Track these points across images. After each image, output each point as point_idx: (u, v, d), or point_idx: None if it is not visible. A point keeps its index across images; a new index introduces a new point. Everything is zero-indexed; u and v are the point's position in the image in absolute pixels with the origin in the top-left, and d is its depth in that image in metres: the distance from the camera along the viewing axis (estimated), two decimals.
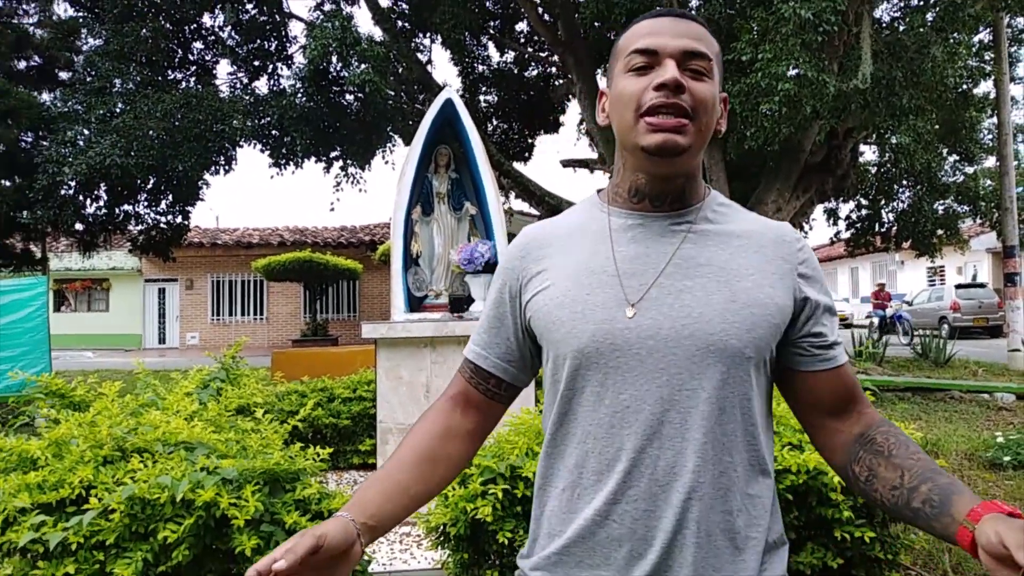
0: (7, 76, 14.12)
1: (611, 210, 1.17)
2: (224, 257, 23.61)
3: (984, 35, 12.81)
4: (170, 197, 13.76)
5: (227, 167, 12.89)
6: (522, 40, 14.99)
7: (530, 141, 15.99)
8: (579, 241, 1.16)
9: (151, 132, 11.23)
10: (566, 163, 15.67)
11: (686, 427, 1.02)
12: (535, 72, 15.49)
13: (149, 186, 13.16)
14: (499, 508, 2.90)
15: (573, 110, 15.62)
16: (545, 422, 1.17)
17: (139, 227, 14.37)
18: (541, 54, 14.89)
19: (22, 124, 13.61)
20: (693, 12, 10.79)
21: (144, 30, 11.93)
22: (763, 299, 1.06)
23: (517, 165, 14.95)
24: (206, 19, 13.38)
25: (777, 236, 1.13)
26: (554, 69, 15.00)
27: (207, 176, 13.18)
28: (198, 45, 13.82)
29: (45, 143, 12.64)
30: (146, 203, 13.85)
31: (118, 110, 11.58)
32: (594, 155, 14.36)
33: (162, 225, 14.40)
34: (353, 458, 5.93)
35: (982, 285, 22.47)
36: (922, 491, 0.95)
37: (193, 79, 13.56)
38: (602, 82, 14.11)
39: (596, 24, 10.55)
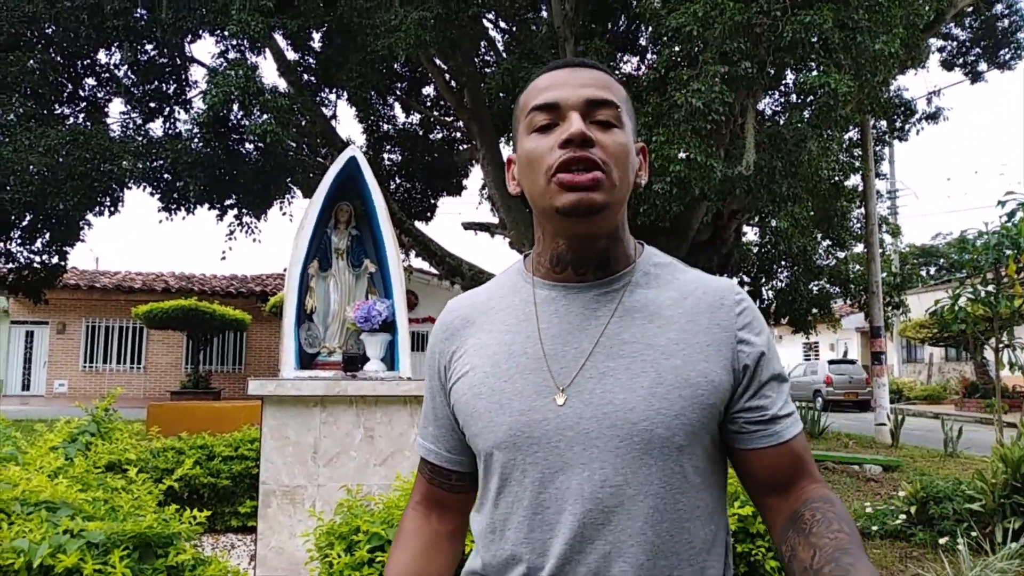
0: None
1: (535, 281, 1.06)
2: (102, 301, 22.33)
3: (854, 133, 13.99)
4: (47, 236, 12.99)
5: (113, 208, 12.31)
6: (428, 103, 15.23)
7: (433, 202, 16.11)
8: (502, 317, 1.06)
9: (31, 167, 10.64)
10: (467, 226, 15.85)
11: (614, 530, 0.91)
12: (440, 135, 15.73)
13: (24, 223, 12.40)
14: None
15: (476, 175, 15.90)
16: (473, 525, 1.08)
17: (9, 265, 13.45)
18: (447, 118, 15.17)
19: None
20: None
21: (32, 61, 11.41)
22: (694, 378, 0.95)
23: (419, 225, 14.99)
24: (101, 56, 12.94)
25: (715, 300, 1.01)
26: (459, 134, 15.29)
27: (90, 216, 12.55)
28: (90, 81, 13.30)
29: None
30: (19, 241, 13.01)
31: None
32: (495, 220, 14.61)
33: (35, 265, 13.54)
34: (232, 520, 5.66)
35: (852, 361, 23.97)
36: (824, 574, 0.84)
37: (82, 115, 13.00)
38: (507, 149, 14.49)
39: (501, 95, 10.88)
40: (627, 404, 0.93)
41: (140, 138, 12.29)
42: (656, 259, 1.08)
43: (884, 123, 14.12)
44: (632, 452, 0.92)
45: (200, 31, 11.89)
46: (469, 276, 12.95)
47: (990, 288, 7.39)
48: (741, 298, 1.03)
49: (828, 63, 8.33)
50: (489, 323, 1.07)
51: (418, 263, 16.25)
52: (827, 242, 15.14)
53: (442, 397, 1.10)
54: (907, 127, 14.28)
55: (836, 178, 12.89)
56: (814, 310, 14.72)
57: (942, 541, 4.96)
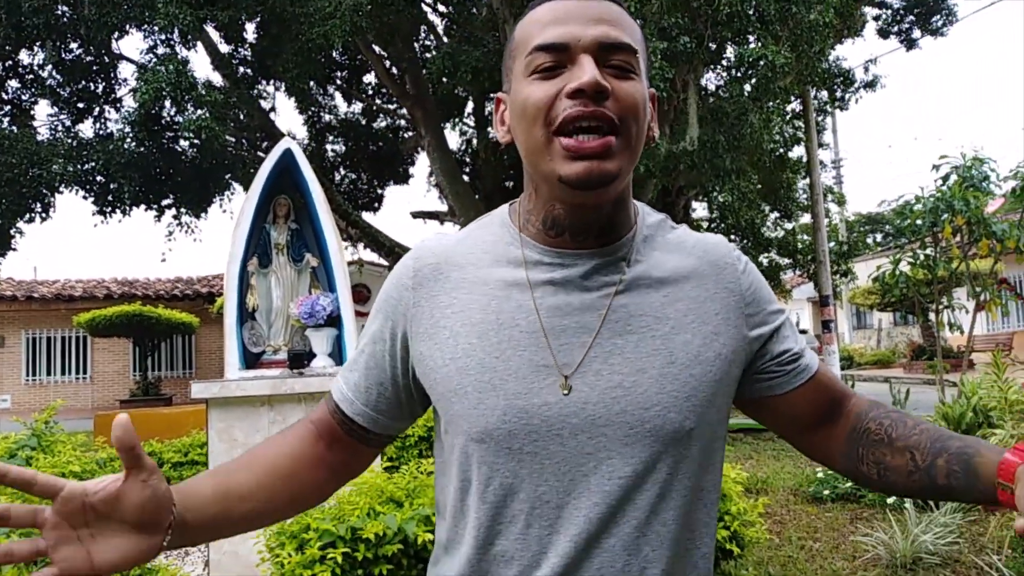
0: None
1: (524, 241, 0.92)
2: (41, 312, 21.61)
3: (796, 105, 14.19)
4: None
5: (44, 215, 11.87)
6: (370, 92, 15.01)
7: (379, 191, 15.93)
8: (486, 276, 0.91)
9: None
10: (416, 215, 15.71)
11: (626, 526, 0.84)
12: (384, 123, 15.53)
13: None
14: (339, 573, 2.76)
15: (423, 162, 15.79)
16: (440, 495, 0.97)
17: None
18: (389, 106, 14.96)
19: None
20: None
21: None
22: (707, 355, 0.88)
23: (367, 216, 14.81)
24: (23, 56, 12.42)
25: (717, 258, 0.94)
26: (403, 121, 15.11)
27: (21, 224, 12.08)
28: (14, 84, 12.78)
29: None
30: None
31: None
32: (444, 207, 14.49)
33: None
34: None
35: (804, 331, 24.48)
36: (940, 466, 0.85)
37: (7, 119, 12.48)
38: (453, 135, 14.37)
39: (443, 79, 10.74)
40: (637, 387, 0.84)
41: (70, 140, 11.87)
42: (650, 219, 0.97)
43: (824, 93, 14.33)
44: (643, 441, 0.83)
45: (127, 26, 11.48)
46: None
47: (928, 252, 7.55)
48: (738, 254, 0.97)
49: (766, 35, 8.40)
50: (469, 281, 0.92)
51: (368, 255, 16.07)
52: (775, 214, 15.37)
53: (391, 351, 0.94)
54: (847, 96, 14.52)
55: (780, 150, 13.08)
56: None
57: (890, 501, 5.06)
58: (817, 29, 8.71)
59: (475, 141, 14.58)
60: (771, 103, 10.18)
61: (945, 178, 7.37)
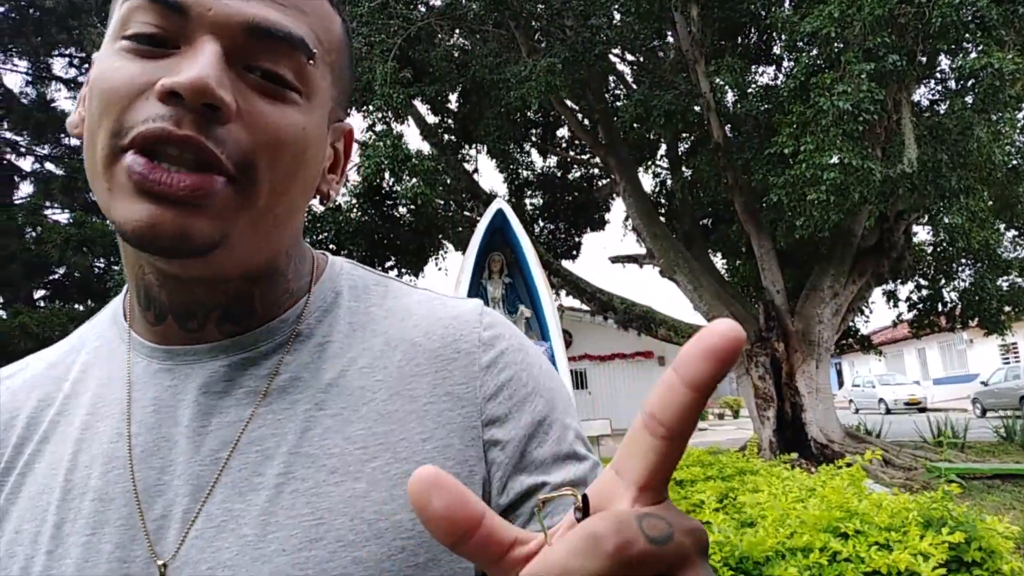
0: (84, 208, 15.05)
1: (132, 339, 0.59)
2: None
3: None
4: None
5: None
6: (563, 145, 15.52)
7: (577, 239, 16.29)
8: (76, 410, 0.57)
9: None
10: (615, 259, 15.83)
11: None
12: (578, 174, 15.95)
13: None
14: None
15: (618, 207, 16.01)
16: None
17: None
18: (583, 156, 15.36)
19: (96, 251, 14.41)
20: (729, 109, 11.09)
21: None
22: (394, 515, 0.51)
23: (566, 263, 15.18)
24: None
25: (446, 344, 0.58)
26: (596, 170, 15.43)
27: None
28: None
29: (116, 268, 13.34)
30: None
31: None
32: (642, 250, 14.51)
33: None
34: None
35: None
36: None
37: None
38: (647, 178, 14.45)
39: (635, 125, 10.89)
40: None
41: (306, 215, 13.31)
42: (349, 280, 0.64)
43: None
44: None
45: (348, 110, 12.78)
46: (622, 310, 12.89)
47: None
48: (493, 335, 0.60)
49: (988, 42, 7.72)
50: (61, 424, 0.57)
51: (568, 301, 16.40)
52: (1012, 232, 13.88)
53: None
54: None
55: (1014, 162, 11.82)
56: (1007, 308, 13.45)
57: None
58: None
59: (669, 182, 14.56)
60: (999, 113, 9.28)
61: None
